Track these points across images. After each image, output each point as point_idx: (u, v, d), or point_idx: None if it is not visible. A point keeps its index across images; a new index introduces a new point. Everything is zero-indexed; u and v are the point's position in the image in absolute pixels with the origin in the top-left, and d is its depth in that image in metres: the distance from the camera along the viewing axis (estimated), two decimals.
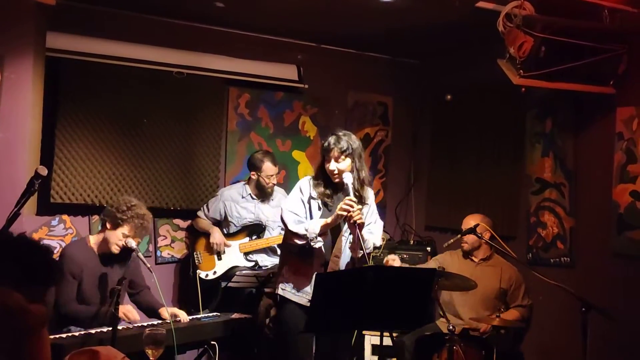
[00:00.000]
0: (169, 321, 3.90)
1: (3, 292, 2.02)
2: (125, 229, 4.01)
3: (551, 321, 4.91)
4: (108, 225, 4.04)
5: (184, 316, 4.09)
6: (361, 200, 3.80)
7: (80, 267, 4.00)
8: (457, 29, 5.22)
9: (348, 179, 3.69)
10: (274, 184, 5.32)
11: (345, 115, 6.36)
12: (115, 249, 4.03)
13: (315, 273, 3.66)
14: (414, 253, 5.76)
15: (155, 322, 4.06)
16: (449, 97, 6.07)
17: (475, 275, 4.65)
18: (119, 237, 4.01)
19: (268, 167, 5.23)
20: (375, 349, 5.33)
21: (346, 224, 3.72)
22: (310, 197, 3.84)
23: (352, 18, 5.22)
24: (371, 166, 6.47)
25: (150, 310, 4.25)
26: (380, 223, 4.01)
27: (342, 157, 3.73)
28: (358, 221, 3.55)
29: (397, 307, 3.21)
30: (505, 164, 5.54)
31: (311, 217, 3.81)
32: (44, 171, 3.34)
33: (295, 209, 3.80)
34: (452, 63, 6.12)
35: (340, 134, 3.80)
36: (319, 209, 3.82)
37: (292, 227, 3.75)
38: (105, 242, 4.07)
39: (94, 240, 4.16)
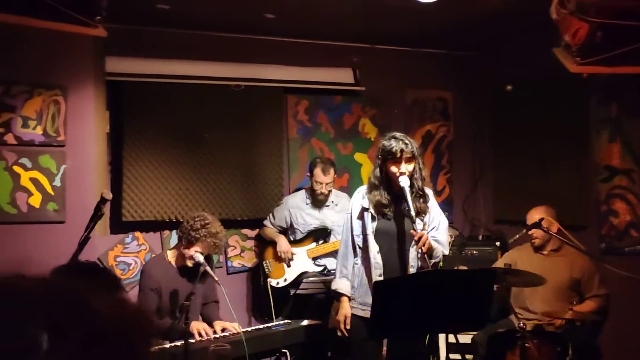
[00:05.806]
0: (239, 332, 3.98)
1: None
2: (198, 247, 4.04)
3: (629, 312, 4.74)
4: (183, 242, 4.10)
5: (233, 329, 4.12)
6: (424, 198, 3.77)
7: (158, 282, 4.11)
8: (513, 17, 5.09)
9: (405, 182, 3.66)
10: (324, 193, 5.26)
11: (404, 114, 6.31)
12: (190, 264, 4.11)
13: (375, 281, 3.66)
14: (483, 248, 5.67)
15: (227, 333, 4.15)
16: (509, 87, 5.95)
17: (545, 267, 4.54)
18: (192, 254, 4.06)
19: (317, 173, 5.21)
20: (452, 347, 5.26)
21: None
22: (363, 209, 3.83)
23: (403, 16, 5.16)
24: (435, 163, 6.41)
25: (207, 323, 4.25)
26: (445, 225, 3.91)
27: (412, 159, 3.72)
28: (424, 249, 3.54)
29: (457, 310, 3.19)
30: (572, 152, 5.38)
31: (365, 231, 3.82)
32: (108, 195, 3.48)
33: (345, 258, 3.93)
34: (510, 53, 5.96)
35: (402, 137, 3.76)
36: (373, 219, 3.80)
37: (334, 283, 4.00)
38: (181, 257, 4.17)
39: (171, 254, 4.27)
